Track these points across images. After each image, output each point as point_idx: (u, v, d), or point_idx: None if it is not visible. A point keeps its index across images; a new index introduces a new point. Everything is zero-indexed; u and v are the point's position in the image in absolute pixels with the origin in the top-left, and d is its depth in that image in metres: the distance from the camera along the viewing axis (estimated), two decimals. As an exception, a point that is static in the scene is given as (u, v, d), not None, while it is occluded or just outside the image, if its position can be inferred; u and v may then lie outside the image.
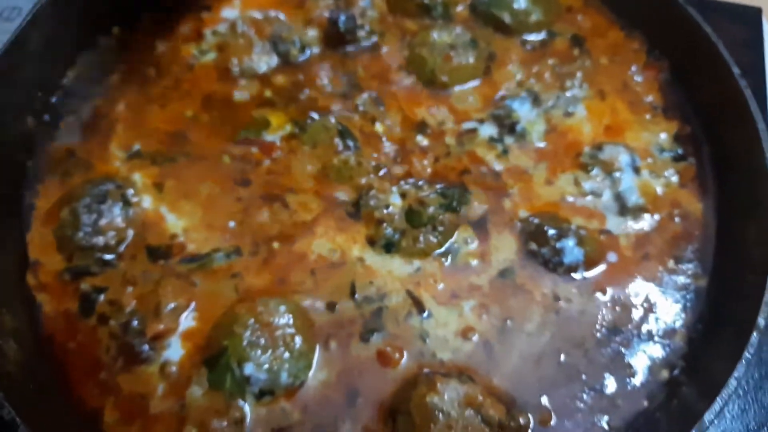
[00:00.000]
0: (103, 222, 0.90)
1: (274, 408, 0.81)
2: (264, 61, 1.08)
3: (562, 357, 0.86)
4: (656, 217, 0.95)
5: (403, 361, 0.84)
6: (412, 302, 0.88)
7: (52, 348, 0.85)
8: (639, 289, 0.91)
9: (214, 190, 0.96)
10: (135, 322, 0.85)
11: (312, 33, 1.11)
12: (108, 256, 0.90)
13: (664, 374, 0.86)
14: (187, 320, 0.86)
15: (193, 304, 0.87)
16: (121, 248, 0.91)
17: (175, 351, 0.85)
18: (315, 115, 1.02)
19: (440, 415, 0.76)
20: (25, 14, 0.98)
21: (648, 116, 1.04)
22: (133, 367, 0.83)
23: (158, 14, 1.12)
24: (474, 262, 0.91)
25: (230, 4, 1.15)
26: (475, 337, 0.86)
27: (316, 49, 1.09)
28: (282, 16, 1.13)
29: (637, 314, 0.89)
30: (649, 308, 0.90)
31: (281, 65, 1.08)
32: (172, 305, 0.86)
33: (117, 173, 0.97)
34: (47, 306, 0.88)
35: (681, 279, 0.92)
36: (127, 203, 0.92)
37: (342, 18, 1.09)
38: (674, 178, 0.99)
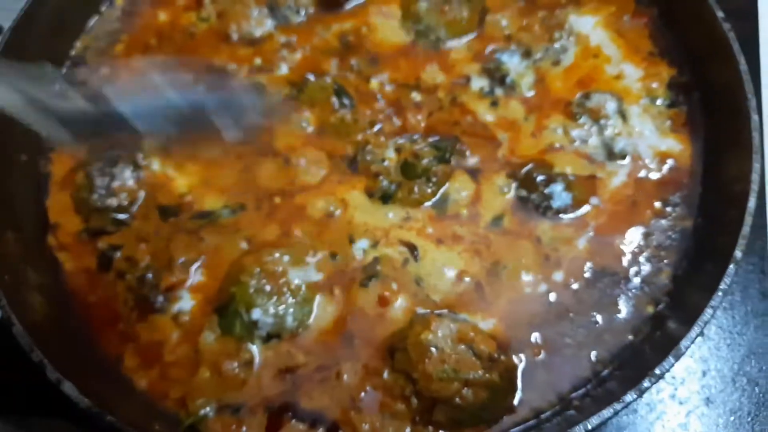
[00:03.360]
0: (115, 184, 0.96)
1: (280, 350, 0.87)
2: (261, 26, 1.11)
3: (552, 297, 0.90)
4: (643, 162, 0.98)
5: (400, 303, 0.89)
6: (407, 249, 0.93)
7: (75, 302, 0.92)
8: (626, 231, 0.94)
9: (218, 150, 1.01)
10: (149, 276, 0.91)
11: (306, -5, 1.14)
12: (122, 216, 0.96)
13: (649, 309, 0.90)
14: (196, 274, 0.92)
15: (202, 258, 0.93)
16: (134, 208, 0.97)
17: (186, 302, 0.91)
18: (311, 77, 1.06)
19: (434, 350, 0.82)
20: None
21: (638, 62, 1.06)
22: (149, 317, 0.90)
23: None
24: (466, 210, 0.95)
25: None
26: (467, 279, 0.91)
27: (311, 10, 1.12)
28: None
29: (623, 255, 0.93)
30: (636, 250, 0.94)
31: (277, 28, 1.11)
32: (182, 259, 0.92)
33: (125, 139, 1.02)
34: (68, 264, 0.94)
35: (667, 221, 0.95)
36: (137, 166, 0.98)
37: (335, -21, 1.12)
38: (663, 124, 1.01)
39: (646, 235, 0.95)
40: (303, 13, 1.12)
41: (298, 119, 1.02)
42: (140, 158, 0.99)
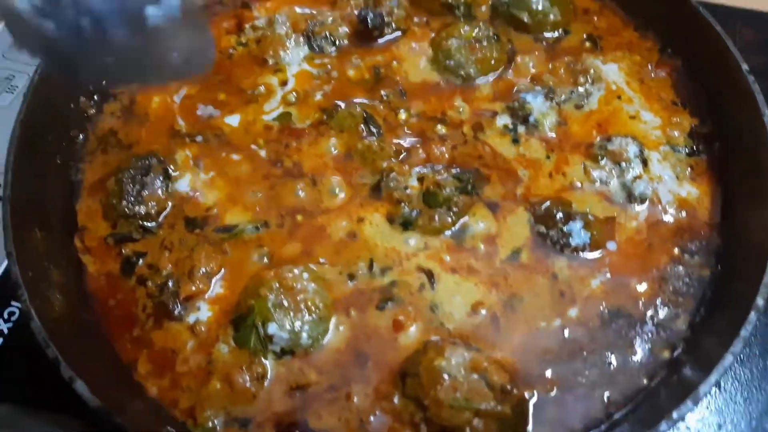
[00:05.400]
0: (145, 193, 0.98)
1: (293, 367, 0.87)
2: (297, 53, 1.16)
3: (566, 333, 0.90)
4: (662, 207, 0.99)
5: (414, 328, 0.89)
6: (425, 275, 0.93)
7: (94, 304, 0.93)
8: (642, 274, 0.95)
9: (247, 168, 1.03)
10: (170, 284, 0.92)
11: (343, 29, 1.18)
12: (149, 224, 0.98)
13: (665, 354, 0.90)
14: (216, 286, 0.94)
15: (223, 271, 0.94)
16: (161, 217, 0.99)
17: (204, 313, 0.91)
18: (341, 104, 1.10)
19: (447, 377, 0.81)
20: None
21: (660, 111, 1.09)
22: (166, 324, 0.91)
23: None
24: (485, 242, 0.96)
25: (269, 2, 1.23)
26: (483, 311, 0.91)
27: (345, 42, 1.16)
28: (315, 13, 1.21)
29: (639, 298, 0.93)
30: (652, 293, 0.94)
31: (312, 57, 1.15)
32: (204, 269, 0.93)
33: (158, 150, 1.05)
34: (91, 267, 0.96)
35: (685, 268, 0.96)
36: (167, 177, 1.01)
37: (371, 15, 1.16)
38: (683, 171, 1.03)
39: (663, 280, 0.95)
40: (338, 44, 1.17)
41: (327, 143, 1.05)
42: (171, 169, 1.02)
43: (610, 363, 0.89)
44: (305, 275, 0.91)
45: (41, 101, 0.98)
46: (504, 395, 0.82)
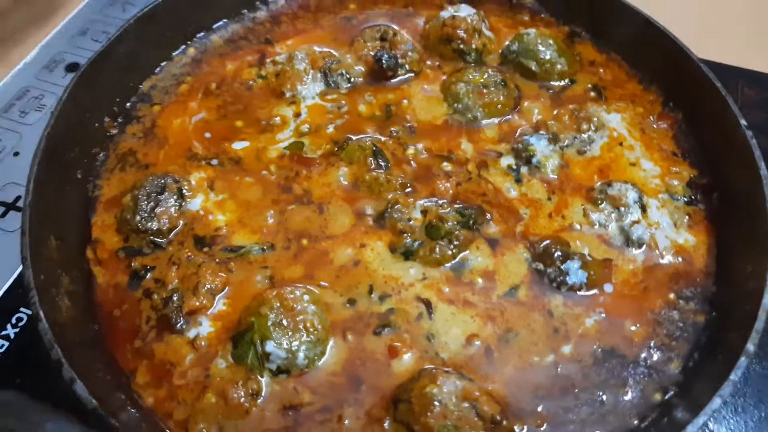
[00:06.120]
0: (158, 210, 1.02)
1: (287, 386, 0.89)
2: (313, 88, 1.21)
3: (558, 370, 0.91)
4: (659, 252, 1.01)
5: (409, 355, 0.91)
6: (423, 305, 0.95)
7: (100, 313, 0.96)
8: (636, 317, 0.96)
9: (257, 193, 1.07)
10: (175, 298, 0.95)
11: (358, 68, 1.24)
12: (159, 240, 1.02)
13: (657, 397, 0.90)
14: (219, 303, 0.96)
15: (227, 289, 0.97)
16: (172, 234, 1.02)
17: (205, 328, 0.94)
18: (352, 137, 1.14)
19: (438, 404, 0.82)
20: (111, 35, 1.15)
21: (660, 161, 1.12)
22: (167, 337, 0.93)
23: (228, 45, 1.29)
24: (484, 276, 0.98)
25: (290, 40, 1.30)
26: (478, 343, 0.93)
27: (360, 80, 1.22)
28: (333, 52, 1.27)
29: (633, 340, 0.94)
30: (646, 336, 0.95)
31: (326, 92, 1.21)
32: (209, 286, 0.96)
33: (174, 171, 1.09)
34: (101, 278, 0.99)
35: (679, 313, 0.97)
36: (181, 196, 1.05)
37: (386, 57, 1.22)
38: (681, 219, 1.05)
39: (657, 324, 0.96)
40: (352, 81, 1.22)
41: (336, 173, 1.09)
42: (185, 189, 1.06)
43: (602, 402, 0.89)
44: (306, 297, 0.93)
45: (67, 118, 1.04)
46: (494, 426, 0.82)
